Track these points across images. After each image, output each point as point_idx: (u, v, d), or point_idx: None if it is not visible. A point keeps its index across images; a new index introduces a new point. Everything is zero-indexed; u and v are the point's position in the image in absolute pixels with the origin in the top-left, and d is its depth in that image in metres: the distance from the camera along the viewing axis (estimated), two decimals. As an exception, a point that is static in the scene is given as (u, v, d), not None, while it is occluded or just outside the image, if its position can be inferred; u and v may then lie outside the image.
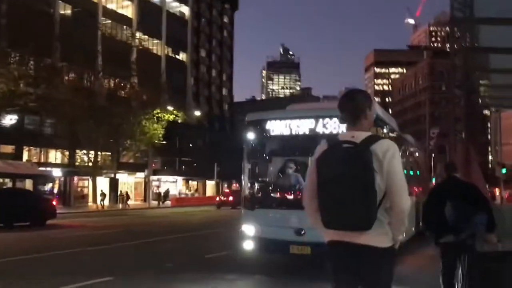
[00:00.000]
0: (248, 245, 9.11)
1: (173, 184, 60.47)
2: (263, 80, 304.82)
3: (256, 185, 9.92)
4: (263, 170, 10.45)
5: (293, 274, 8.85)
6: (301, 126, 9.05)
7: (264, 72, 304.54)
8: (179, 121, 43.81)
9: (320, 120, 8.81)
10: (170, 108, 42.87)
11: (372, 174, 2.70)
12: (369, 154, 2.74)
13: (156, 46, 60.30)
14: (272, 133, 9.39)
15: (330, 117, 8.74)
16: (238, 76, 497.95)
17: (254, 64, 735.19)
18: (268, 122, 9.47)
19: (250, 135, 9.63)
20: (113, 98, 39.36)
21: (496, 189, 58.68)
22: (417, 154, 16.16)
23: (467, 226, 4.95)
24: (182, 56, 68.46)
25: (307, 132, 8.94)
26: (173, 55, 65.60)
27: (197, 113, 62.27)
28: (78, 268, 9.73)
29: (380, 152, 2.79)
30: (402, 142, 13.28)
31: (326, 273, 3.14)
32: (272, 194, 9.63)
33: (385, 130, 9.56)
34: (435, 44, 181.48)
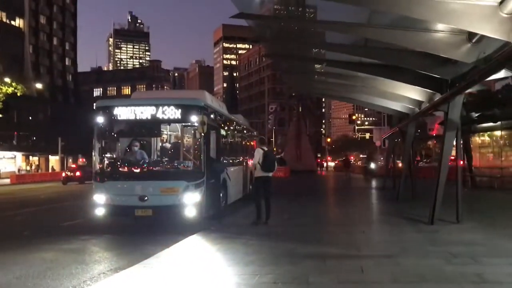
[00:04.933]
0: (100, 212, 10.99)
1: (11, 160, 56.72)
2: (110, 48, 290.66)
3: (106, 161, 11.67)
4: (112, 148, 12.27)
5: (138, 232, 11.01)
6: (144, 112, 11.11)
7: (111, 40, 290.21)
8: (18, 94, 41.15)
9: (160, 108, 11.01)
10: (7, 80, 40.12)
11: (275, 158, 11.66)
12: (273, 152, 13.71)
13: (-13, 10, 54.88)
14: (119, 117, 11.24)
15: (168, 105, 11.02)
16: (83, 45, 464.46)
17: (100, 32, 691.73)
18: (116, 108, 11.30)
19: (100, 119, 11.26)
20: None
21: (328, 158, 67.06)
22: (245, 131, 19.26)
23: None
24: (18, 22, 63.10)
25: (149, 117, 11.07)
26: (7, 21, 60.17)
27: (38, 85, 58.58)
28: None
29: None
30: (231, 123, 16.12)
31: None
32: (120, 168, 11.55)
33: (212, 116, 12.14)
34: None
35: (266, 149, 11.30)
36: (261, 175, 11.08)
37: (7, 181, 44.27)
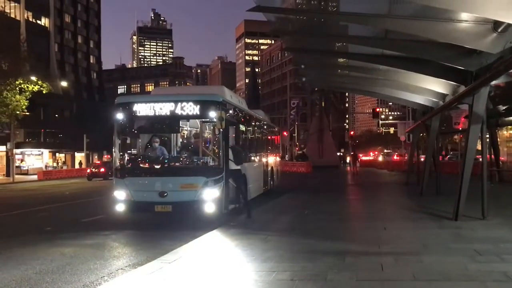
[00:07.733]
0: (120, 208, 11.07)
1: (38, 157, 57.99)
2: (134, 46, 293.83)
3: (126, 157, 11.72)
4: (132, 145, 12.34)
5: (158, 228, 11.04)
6: (163, 108, 11.10)
7: (134, 37, 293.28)
8: (44, 92, 41.78)
9: (179, 104, 10.98)
10: (33, 78, 40.81)
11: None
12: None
13: (14, 10, 56.03)
14: (138, 114, 11.26)
15: (186, 101, 10.99)
16: (107, 42, 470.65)
17: (124, 30, 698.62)
18: (135, 104, 11.31)
19: (119, 115, 11.30)
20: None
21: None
22: (266, 126, 19.15)
23: None
24: (44, 22, 64.36)
25: (168, 113, 11.06)
26: (34, 20, 61.43)
27: (63, 83, 59.62)
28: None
29: None
30: (251, 118, 16.01)
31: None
32: (140, 165, 11.58)
33: (231, 112, 12.08)
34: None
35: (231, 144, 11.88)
36: (236, 168, 11.54)
37: (35, 177, 45.36)
